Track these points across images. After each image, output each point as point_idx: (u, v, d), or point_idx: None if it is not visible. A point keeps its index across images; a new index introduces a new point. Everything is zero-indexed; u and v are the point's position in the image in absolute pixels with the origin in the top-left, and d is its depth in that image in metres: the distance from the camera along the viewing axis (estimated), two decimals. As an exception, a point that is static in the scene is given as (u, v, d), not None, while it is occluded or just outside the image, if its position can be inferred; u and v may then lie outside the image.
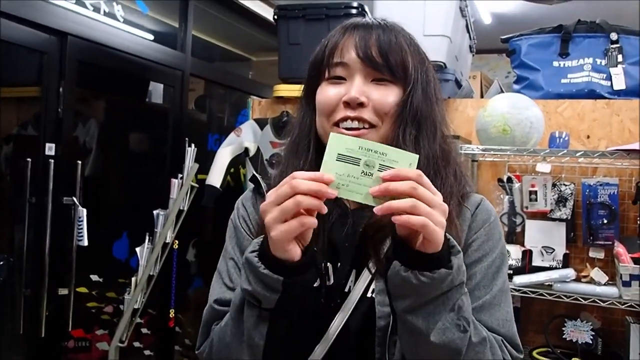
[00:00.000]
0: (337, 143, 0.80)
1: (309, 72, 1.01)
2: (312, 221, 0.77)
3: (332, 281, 0.95)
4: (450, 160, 0.97)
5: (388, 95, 0.93)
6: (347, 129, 0.92)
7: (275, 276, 0.81)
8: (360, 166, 0.79)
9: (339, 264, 0.96)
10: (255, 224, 1.03)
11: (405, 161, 0.80)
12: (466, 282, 0.92)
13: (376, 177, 0.79)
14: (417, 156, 0.79)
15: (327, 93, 0.95)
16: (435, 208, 0.77)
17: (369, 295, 0.92)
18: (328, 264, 0.95)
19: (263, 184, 1.06)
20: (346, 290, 0.94)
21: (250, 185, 1.11)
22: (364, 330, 0.91)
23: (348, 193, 0.79)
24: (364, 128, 0.93)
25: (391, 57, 0.93)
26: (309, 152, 0.99)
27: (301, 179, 0.76)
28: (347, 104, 0.92)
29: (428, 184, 0.78)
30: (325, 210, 0.77)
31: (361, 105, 0.92)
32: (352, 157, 0.79)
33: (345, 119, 0.93)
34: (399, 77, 0.94)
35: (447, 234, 0.80)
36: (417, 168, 0.85)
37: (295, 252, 0.80)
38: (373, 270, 0.91)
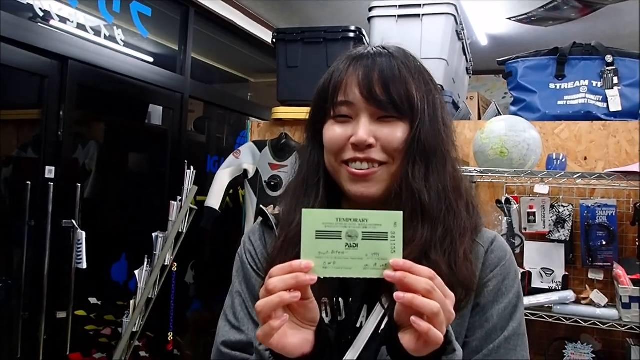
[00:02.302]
0: (312, 220, 0.75)
1: (314, 107, 0.99)
2: (282, 319, 0.74)
3: (343, 316, 0.93)
4: (462, 192, 0.95)
5: (396, 133, 0.91)
6: (357, 169, 0.91)
7: None
8: (343, 239, 0.75)
9: (350, 299, 0.93)
10: (263, 259, 1.00)
11: (389, 222, 0.75)
12: (482, 324, 0.91)
13: (363, 247, 0.75)
14: (401, 213, 0.76)
15: (334, 133, 0.93)
16: (445, 314, 0.73)
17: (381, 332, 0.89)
18: (340, 299, 0.93)
19: (271, 217, 1.03)
20: (357, 325, 0.91)
21: (257, 218, 1.08)
22: None
23: (337, 271, 0.75)
24: (374, 167, 0.91)
25: (395, 94, 0.90)
26: (319, 190, 0.97)
27: (276, 276, 0.74)
28: (356, 146, 0.90)
29: (441, 285, 0.75)
30: (309, 294, 0.77)
31: (369, 146, 0.90)
32: (332, 232, 0.75)
33: (354, 160, 0.91)
34: (405, 113, 0.91)
35: (448, 327, 0.77)
36: (428, 204, 0.83)
37: (303, 344, 0.79)
38: (386, 306, 0.89)
